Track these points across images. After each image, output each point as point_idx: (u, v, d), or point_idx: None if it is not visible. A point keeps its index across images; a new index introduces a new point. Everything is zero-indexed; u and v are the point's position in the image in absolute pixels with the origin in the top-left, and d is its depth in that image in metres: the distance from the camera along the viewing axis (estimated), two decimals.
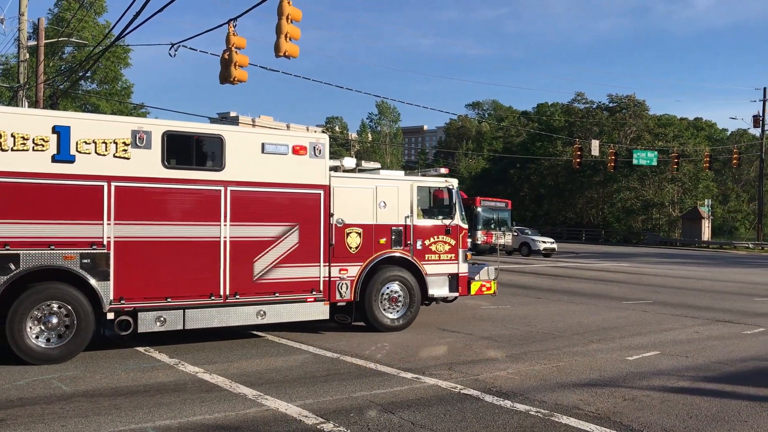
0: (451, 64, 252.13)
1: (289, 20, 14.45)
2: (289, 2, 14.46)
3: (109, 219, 9.53)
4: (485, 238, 37.01)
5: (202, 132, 10.39)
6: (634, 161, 50.64)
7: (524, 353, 10.38)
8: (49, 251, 9.17)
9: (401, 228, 12.35)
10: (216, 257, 10.30)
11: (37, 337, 9.14)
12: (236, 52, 15.68)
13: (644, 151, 52.90)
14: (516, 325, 13.19)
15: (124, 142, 9.65)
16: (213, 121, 45.20)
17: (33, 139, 9.10)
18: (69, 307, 9.31)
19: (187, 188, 10.09)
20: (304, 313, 11.09)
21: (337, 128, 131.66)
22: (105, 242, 9.51)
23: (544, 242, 39.59)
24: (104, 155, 9.52)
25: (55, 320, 9.24)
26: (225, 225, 10.38)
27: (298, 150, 11.02)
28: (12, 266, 8.93)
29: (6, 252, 8.91)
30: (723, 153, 73.55)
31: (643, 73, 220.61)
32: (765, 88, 59.09)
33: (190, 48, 19.62)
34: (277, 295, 10.79)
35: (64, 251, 9.27)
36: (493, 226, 37.88)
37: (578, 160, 45.49)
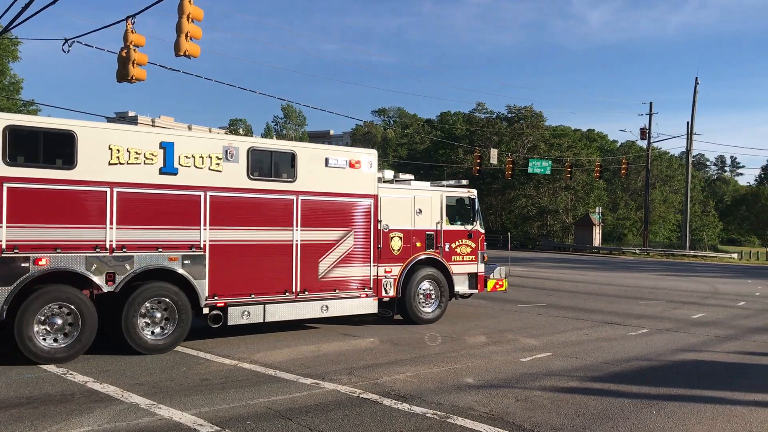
0: (357, 70, 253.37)
1: (190, 19, 14.08)
2: (190, 1, 14.09)
3: (204, 225, 10.76)
4: None
5: (279, 148, 11.84)
6: (530, 170, 52.36)
7: (424, 356, 10.50)
8: (156, 253, 10.30)
9: (433, 233, 14.12)
10: (289, 258, 11.69)
11: (143, 330, 10.20)
12: (134, 50, 15.13)
13: (540, 160, 54.79)
14: (417, 329, 13.32)
15: (217, 157, 10.89)
16: (110, 120, 43.40)
17: (144, 154, 10.22)
18: (171, 303, 10.42)
19: (266, 197, 11.45)
20: (358, 307, 12.61)
21: (241, 130, 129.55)
22: (201, 245, 10.72)
23: None
24: (201, 168, 10.74)
25: (158, 315, 10.35)
26: (296, 230, 11.79)
27: (353, 164, 12.54)
28: (127, 267, 10.04)
29: (123, 254, 10.01)
30: (613, 163, 77.30)
31: (541, 85, 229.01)
32: (651, 103, 62.65)
33: (86, 44, 18.77)
34: (337, 291, 12.29)
35: (168, 253, 10.42)
36: None
37: (478, 167, 46.69)
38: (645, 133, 62.24)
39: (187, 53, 14.11)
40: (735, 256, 64.26)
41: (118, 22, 15.30)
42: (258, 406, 7.51)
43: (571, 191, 70.83)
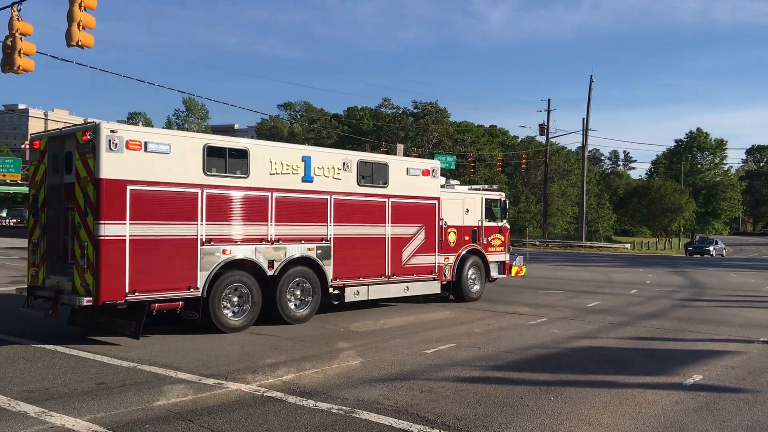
0: (262, 63, 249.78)
1: (83, 8, 13.44)
2: None
3: (330, 222, 13.59)
4: None
5: (377, 160, 14.89)
6: None
7: (330, 351, 10.48)
8: (300, 245, 13.08)
9: (476, 228, 17.71)
10: (383, 249, 14.72)
11: (289, 302, 13.05)
12: (21, 38, 14.30)
13: (445, 155, 55.81)
14: (324, 324, 13.28)
15: (337, 168, 13.73)
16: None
17: (292, 166, 12.93)
18: (309, 284, 13.30)
19: (369, 200, 14.43)
20: (428, 288, 15.78)
21: (140, 124, 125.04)
22: (328, 238, 13.56)
23: None
24: (328, 177, 13.55)
25: (299, 293, 13.22)
26: (388, 226, 14.84)
27: (425, 172, 15.67)
28: (282, 255, 12.77)
29: (280, 245, 12.72)
30: (514, 158, 79.68)
31: (445, 82, 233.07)
32: (549, 100, 64.94)
33: None
34: (414, 275, 15.38)
35: (308, 245, 13.20)
36: None
37: None
38: (543, 129, 64.37)
39: (80, 43, 13.47)
40: (628, 246, 67.71)
41: (3, 8, 14.41)
42: (158, 409, 7.26)
43: (475, 186, 72.67)
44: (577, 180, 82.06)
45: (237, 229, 12.01)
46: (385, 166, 14.85)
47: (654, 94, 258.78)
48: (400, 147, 48.71)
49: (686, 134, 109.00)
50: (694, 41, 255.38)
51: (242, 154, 12.19)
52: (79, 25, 13.48)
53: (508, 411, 7.42)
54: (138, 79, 28.70)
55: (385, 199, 14.77)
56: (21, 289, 11.87)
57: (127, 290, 10.57)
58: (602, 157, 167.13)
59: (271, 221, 12.57)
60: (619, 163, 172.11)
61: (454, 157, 54.71)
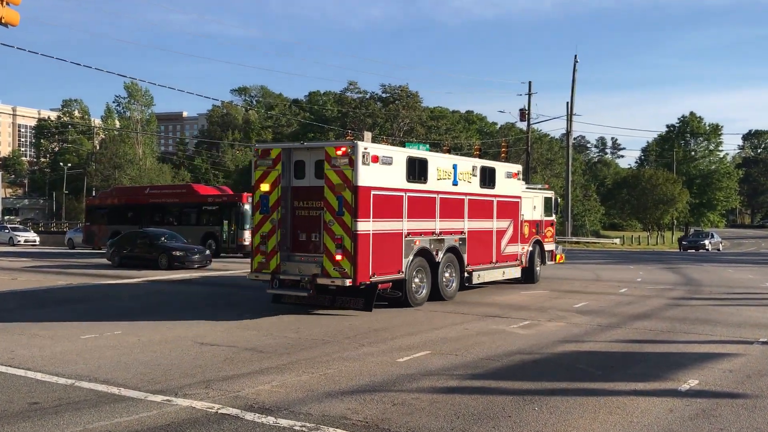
0: (213, 44, 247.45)
1: None
2: None
3: (465, 218, 18.67)
4: None
5: (490, 165, 20.19)
6: None
7: (292, 363, 10.43)
8: (451, 237, 18.01)
9: (539, 222, 24.01)
10: (490, 240, 19.97)
11: (444, 283, 18.01)
12: None
13: (417, 144, 55.79)
14: (284, 332, 13.22)
15: (470, 173, 18.93)
16: None
17: (447, 172, 17.89)
18: (454, 269, 18.35)
19: (485, 199, 19.66)
20: (514, 273, 21.67)
21: (76, 112, 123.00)
22: (464, 231, 18.63)
23: None
24: (465, 181, 18.60)
25: (447, 275, 18.12)
26: (494, 221, 20.13)
27: (514, 175, 21.21)
28: (443, 245, 17.74)
29: (442, 237, 17.69)
30: (493, 147, 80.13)
31: (415, 63, 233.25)
32: (530, 83, 65.20)
33: None
34: (508, 262, 21.04)
35: (454, 236, 18.19)
36: None
37: None
38: (524, 114, 64.68)
39: (3, 21, 13.17)
40: (617, 241, 68.61)
41: None
42: (98, 430, 7.15)
43: None
44: (562, 170, 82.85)
45: (421, 224, 16.92)
46: (494, 170, 20.19)
47: (642, 76, 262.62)
48: (368, 135, 48.56)
49: (678, 119, 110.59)
50: (683, 18, 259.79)
51: (424, 164, 17.09)
52: (2, 1, 13.19)
53: (488, 423, 7.46)
54: (73, 62, 28.23)
55: (493, 199, 20.03)
56: (257, 274, 16.17)
57: (370, 273, 15.39)
58: (588, 145, 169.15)
59: (438, 218, 17.55)
60: (606, 150, 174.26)
61: (427, 146, 54.78)
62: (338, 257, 15.18)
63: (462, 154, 71.10)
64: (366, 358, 10.76)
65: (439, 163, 17.77)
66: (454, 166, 18.32)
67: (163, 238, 30.09)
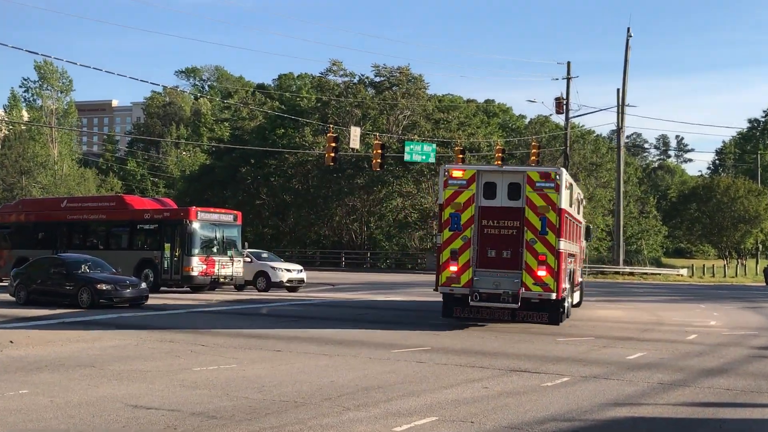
0: (154, 13, 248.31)
1: None
2: None
3: (576, 241, 26.11)
4: (204, 267, 36.67)
5: (575, 186, 24.98)
6: (407, 157, 53.04)
7: (247, 429, 10.38)
8: (571, 258, 24.67)
9: (582, 248, 31.13)
10: (576, 263, 27.22)
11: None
12: None
13: (421, 143, 55.85)
14: (245, 391, 13.16)
15: (578, 201, 26.59)
16: None
17: (577, 199, 26.45)
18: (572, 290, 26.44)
19: (577, 223, 26.98)
20: (577, 298, 29.33)
21: None
22: (575, 254, 26.15)
23: (289, 271, 40.34)
24: (574, 205, 24.93)
25: (573, 296, 25.77)
26: (576, 242, 26.34)
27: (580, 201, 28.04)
28: (572, 267, 25.69)
29: (572, 259, 24.87)
30: (520, 147, 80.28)
31: (418, 37, 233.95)
32: (568, 64, 65.39)
33: None
34: (577, 287, 27.81)
35: (573, 258, 25.50)
36: (216, 250, 37.71)
37: (333, 154, 46.78)
38: (561, 104, 64.66)
39: None
40: (684, 272, 68.71)
41: None
42: None
43: None
44: (611, 178, 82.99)
45: (569, 246, 23.13)
46: (571, 189, 24.23)
47: (716, 55, 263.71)
48: (356, 131, 48.76)
49: (764, 111, 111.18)
50: None
51: (572, 187, 23.66)
52: None
53: None
54: None
55: (579, 223, 25.20)
56: (451, 288, 22.59)
57: (562, 288, 22.19)
58: (646, 145, 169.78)
59: (572, 241, 23.43)
60: (669, 153, 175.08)
61: (434, 146, 54.94)
62: (541, 273, 21.84)
63: (479, 157, 71.33)
64: (352, 427, 10.71)
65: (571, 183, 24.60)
66: (570, 186, 23.55)
67: (84, 267, 29.98)
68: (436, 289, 23.31)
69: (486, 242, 22.47)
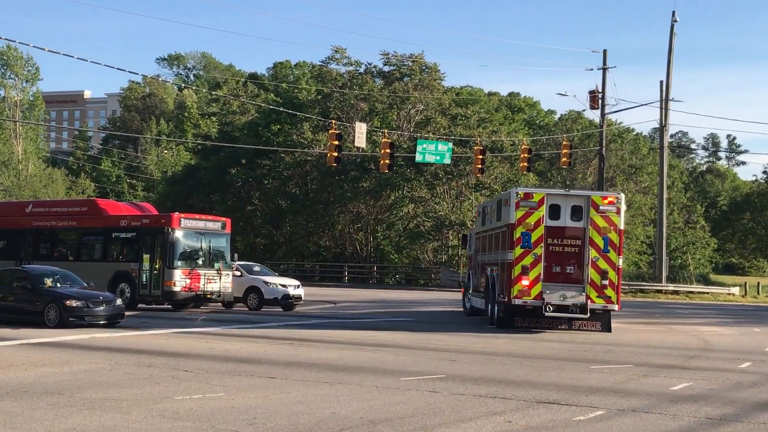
0: None
1: None
2: None
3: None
4: (188, 281, 36.70)
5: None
6: (419, 158, 52.84)
7: None
8: None
9: None
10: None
11: None
12: None
13: (435, 142, 55.77)
14: (233, 424, 13.17)
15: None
16: None
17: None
18: None
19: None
20: None
21: None
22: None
23: (284, 286, 40.31)
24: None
25: None
26: None
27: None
28: None
29: None
30: (549, 146, 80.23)
31: (433, 21, 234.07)
32: (605, 52, 65.16)
33: None
34: None
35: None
36: (201, 262, 37.75)
37: (335, 154, 46.75)
38: (597, 99, 64.38)
39: None
40: (735, 291, 68.42)
41: None
42: None
43: (485, 191, 72.87)
44: (653, 182, 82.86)
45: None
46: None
47: None
48: (362, 128, 48.73)
49: None
50: None
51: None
52: None
53: None
54: None
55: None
56: (524, 300, 28.81)
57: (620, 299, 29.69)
58: (693, 146, 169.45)
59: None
60: (719, 155, 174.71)
61: (449, 145, 54.86)
62: (605, 287, 28.61)
63: (502, 158, 71.31)
64: None
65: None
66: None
67: (51, 281, 30.03)
68: (507, 301, 29.41)
69: (551, 258, 29.01)
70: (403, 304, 46.35)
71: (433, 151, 52.66)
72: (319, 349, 24.13)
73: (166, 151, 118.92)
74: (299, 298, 40.57)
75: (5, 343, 24.00)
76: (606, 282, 28.48)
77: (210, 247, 38.39)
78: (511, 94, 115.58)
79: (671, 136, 78.39)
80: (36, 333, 26.60)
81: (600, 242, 28.65)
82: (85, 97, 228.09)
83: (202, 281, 37.20)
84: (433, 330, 30.95)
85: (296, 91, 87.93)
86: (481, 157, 52.62)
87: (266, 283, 40.26)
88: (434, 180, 72.31)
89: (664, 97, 64.81)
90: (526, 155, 54.02)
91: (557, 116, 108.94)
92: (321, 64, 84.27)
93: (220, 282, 37.98)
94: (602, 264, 28.54)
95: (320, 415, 14.03)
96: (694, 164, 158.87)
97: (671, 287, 64.77)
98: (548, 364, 21.02)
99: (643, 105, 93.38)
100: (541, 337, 28.66)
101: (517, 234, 28.82)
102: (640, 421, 13.91)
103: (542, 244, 28.81)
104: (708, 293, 65.50)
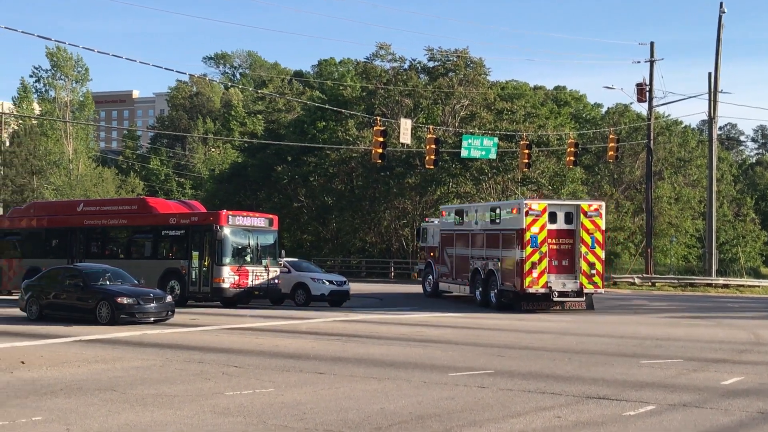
0: None
1: None
2: None
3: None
4: (236, 278, 36.89)
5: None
6: (465, 153, 52.71)
7: None
8: None
9: None
10: None
11: None
12: None
13: (480, 137, 55.52)
14: (283, 419, 13.23)
15: None
16: None
17: None
18: None
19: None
20: None
21: None
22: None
23: (331, 282, 40.37)
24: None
25: None
26: None
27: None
28: None
29: None
30: (596, 140, 79.64)
31: (478, 17, 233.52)
32: (652, 44, 64.68)
33: None
34: None
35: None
36: (249, 259, 37.93)
37: (380, 150, 46.76)
38: (644, 91, 63.92)
39: None
40: None
41: None
42: None
43: (532, 186, 72.55)
44: (701, 175, 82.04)
45: None
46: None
47: None
48: (406, 124, 48.72)
49: None
50: None
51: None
52: None
53: None
54: None
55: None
56: (535, 289, 35.93)
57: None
58: (743, 138, 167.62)
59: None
60: None
61: (495, 140, 54.73)
62: (593, 275, 36.52)
63: (548, 153, 70.94)
64: None
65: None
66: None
67: (103, 278, 30.31)
68: (519, 289, 36.24)
69: (552, 255, 36.42)
70: (447, 300, 46.23)
71: (479, 147, 52.58)
72: (367, 344, 24.20)
73: (213, 150, 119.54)
74: (346, 294, 40.66)
75: (59, 341, 24.30)
76: (594, 272, 36.51)
77: (258, 243, 38.58)
78: (557, 88, 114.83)
79: (720, 128, 77.83)
80: (88, 330, 26.92)
81: (588, 240, 36.52)
82: (133, 96, 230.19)
83: (250, 278, 37.41)
84: (478, 326, 30.82)
85: (341, 88, 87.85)
86: (527, 151, 52.51)
87: (313, 279, 40.35)
88: (480, 175, 71.94)
89: (712, 89, 64.14)
90: (572, 149, 53.81)
91: (604, 109, 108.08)
92: (365, 60, 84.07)
93: (268, 278, 38.20)
94: (590, 257, 36.44)
95: (369, 410, 14.09)
96: (744, 156, 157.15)
97: (721, 281, 64.06)
98: (597, 359, 20.93)
99: (691, 97, 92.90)
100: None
101: (527, 236, 35.91)
102: (691, 416, 13.82)
103: (546, 244, 36.11)
104: (759, 287, 64.68)
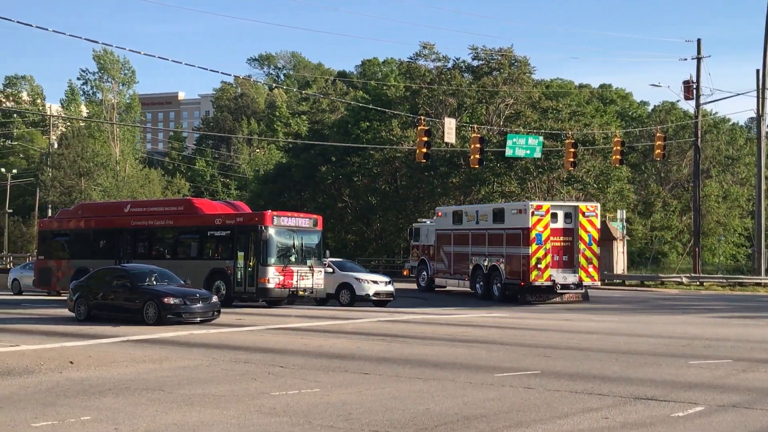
0: None
1: None
2: None
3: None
4: (281, 278, 36.99)
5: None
6: (509, 152, 52.59)
7: None
8: None
9: None
10: None
11: None
12: None
13: (525, 136, 55.38)
14: (329, 419, 13.25)
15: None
16: None
17: None
18: None
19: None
20: None
21: (24, 95, 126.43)
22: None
23: (375, 283, 40.37)
24: None
25: None
26: None
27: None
28: None
29: None
30: (642, 138, 79.13)
31: (523, 15, 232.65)
32: (699, 41, 64.08)
33: None
34: None
35: None
36: (294, 259, 38.04)
37: (425, 150, 46.72)
38: (691, 89, 63.53)
39: None
40: None
41: None
42: None
43: (577, 185, 72.20)
44: (750, 174, 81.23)
45: None
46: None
47: None
48: (451, 123, 48.62)
49: None
50: None
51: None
52: None
53: None
54: (20, 21, 29.05)
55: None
56: (540, 283, 40.24)
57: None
58: None
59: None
60: None
61: (540, 139, 54.48)
62: (590, 269, 40.92)
63: (594, 151, 70.52)
64: None
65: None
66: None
67: (150, 279, 30.52)
68: (525, 284, 40.33)
69: (554, 251, 40.50)
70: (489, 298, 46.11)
71: (524, 146, 52.46)
72: (412, 344, 24.18)
73: (258, 150, 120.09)
74: (391, 294, 40.63)
75: (106, 341, 24.52)
76: (591, 266, 41.01)
77: (302, 244, 38.67)
78: (602, 86, 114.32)
79: None
80: (135, 330, 27.12)
81: (586, 238, 41.07)
82: (179, 98, 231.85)
83: (295, 278, 37.50)
84: (525, 327, 30.70)
85: (385, 88, 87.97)
86: (572, 150, 52.20)
87: (358, 279, 40.37)
88: (525, 174, 71.79)
89: (760, 86, 63.47)
90: (618, 147, 53.45)
91: (650, 107, 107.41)
92: (409, 60, 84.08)
93: (313, 278, 38.24)
94: (588, 253, 41.00)
95: (415, 410, 14.08)
96: None
97: None
98: (645, 360, 20.75)
99: (738, 94, 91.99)
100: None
101: (533, 234, 39.95)
102: (741, 417, 13.67)
103: (549, 241, 40.20)
104: None
